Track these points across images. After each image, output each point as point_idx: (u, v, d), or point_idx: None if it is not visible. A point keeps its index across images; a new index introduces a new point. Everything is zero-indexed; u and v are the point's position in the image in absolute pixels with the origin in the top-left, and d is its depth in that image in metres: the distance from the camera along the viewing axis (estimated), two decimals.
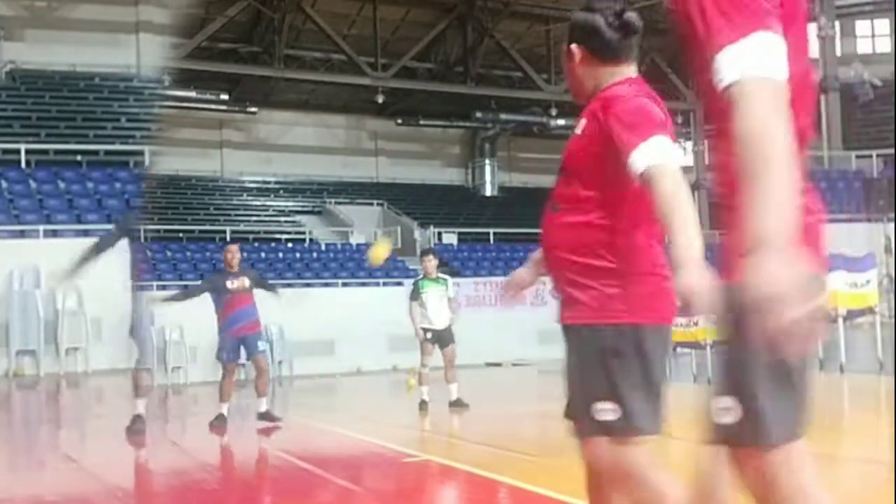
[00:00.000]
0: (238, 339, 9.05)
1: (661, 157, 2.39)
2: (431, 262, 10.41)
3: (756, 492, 1.90)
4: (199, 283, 9.70)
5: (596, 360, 2.53)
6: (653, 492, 2.51)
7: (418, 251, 25.20)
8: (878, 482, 4.90)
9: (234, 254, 9.31)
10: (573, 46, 2.68)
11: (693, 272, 2.07)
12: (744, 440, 1.84)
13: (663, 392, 2.57)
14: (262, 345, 9.32)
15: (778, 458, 1.84)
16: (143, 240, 8.48)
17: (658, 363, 2.56)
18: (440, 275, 10.42)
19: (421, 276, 10.52)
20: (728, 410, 1.85)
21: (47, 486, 6.24)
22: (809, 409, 1.89)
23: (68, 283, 8.41)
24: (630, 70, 2.67)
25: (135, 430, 8.26)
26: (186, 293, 9.58)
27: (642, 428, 2.51)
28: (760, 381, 1.81)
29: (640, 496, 2.54)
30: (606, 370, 2.52)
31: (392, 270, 23.13)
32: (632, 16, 2.65)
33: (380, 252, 8.89)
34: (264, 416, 9.19)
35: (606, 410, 2.50)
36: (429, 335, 10.05)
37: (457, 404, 9.96)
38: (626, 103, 2.52)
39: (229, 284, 9.06)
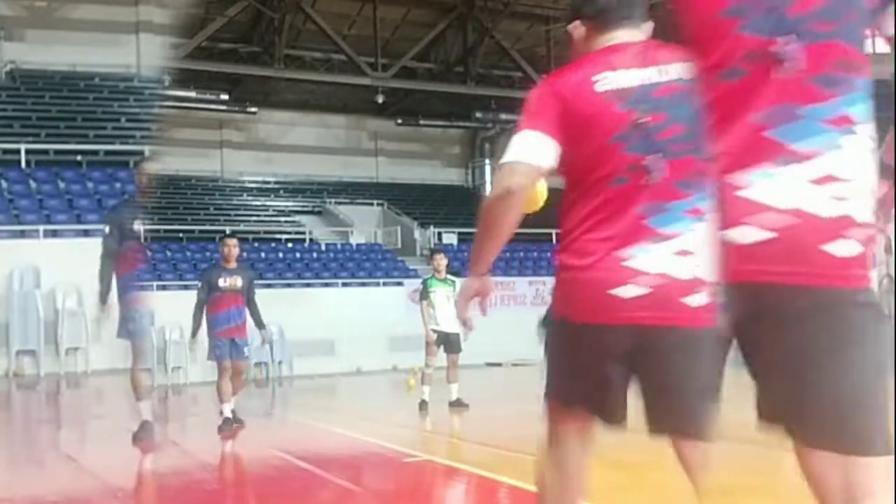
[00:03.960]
0: (227, 339, 8.63)
1: (507, 157, 2.30)
2: (441, 260, 10.37)
3: None
4: (199, 285, 8.92)
5: None
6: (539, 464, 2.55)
7: (418, 251, 25.27)
8: None
9: (231, 248, 8.71)
10: (572, 26, 2.51)
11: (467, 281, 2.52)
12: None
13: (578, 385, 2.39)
14: (247, 351, 8.83)
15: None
16: (141, 235, 7.81)
17: (559, 359, 2.44)
18: (449, 276, 10.36)
19: (430, 276, 10.49)
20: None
21: (47, 486, 6.24)
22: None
23: (105, 306, 7.77)
24: (628, 34, 2.42)
25: (142, 436, 7.60)
26: (197, 308, 8.77)
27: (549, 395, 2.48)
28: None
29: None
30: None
31: (392, 270, 23.15)
32: None
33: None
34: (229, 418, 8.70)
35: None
36: (435, 336, 10.03)
37: (457, 404, 9.96)
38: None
39: (221, 282, 8.58)
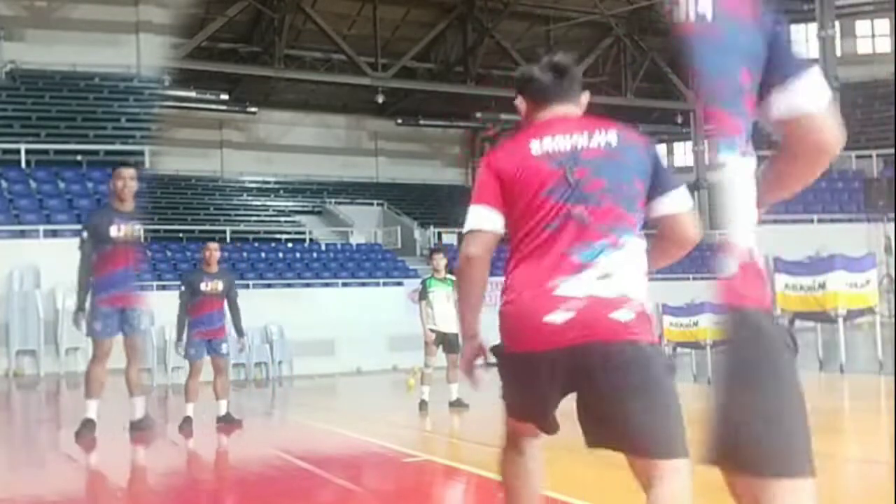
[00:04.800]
0: (204, 339, 8.85)
1: (466, 227, 2.77)
2: (441, 260, 10.28)
3: None
4: (181, 288, 9.11)
5: None
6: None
7: (418, 251, 25.27)
8: (878, 482, 4.90)
9: (212, 252, 8.93)
10: (517, 100, 2.95)
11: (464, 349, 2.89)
12: None
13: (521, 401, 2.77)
14: (225, 348, 9.01)
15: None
16: (120, 240, 7.71)
17: (506, 383, 2.77)
18: (448, 275, 10.28)
19: (429, 276, 10.45)
20: None
21: (47, 485, 6.24)
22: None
23: (81, 313, 7.85)
24: (563, 108, 2.83)
25: (84, 433, 7.68)
26: (182, 311, 8.99)
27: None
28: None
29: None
30: None
31: (392, 270, 23.14)
32: (562, 58, 2.88)
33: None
34: (223, 419, 8.94)
35: None
36: (433, 336, 9.99)
37: (457, 404, 9.93)
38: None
39: (203, 286, 8.80)
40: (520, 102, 2.94)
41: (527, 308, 2.59)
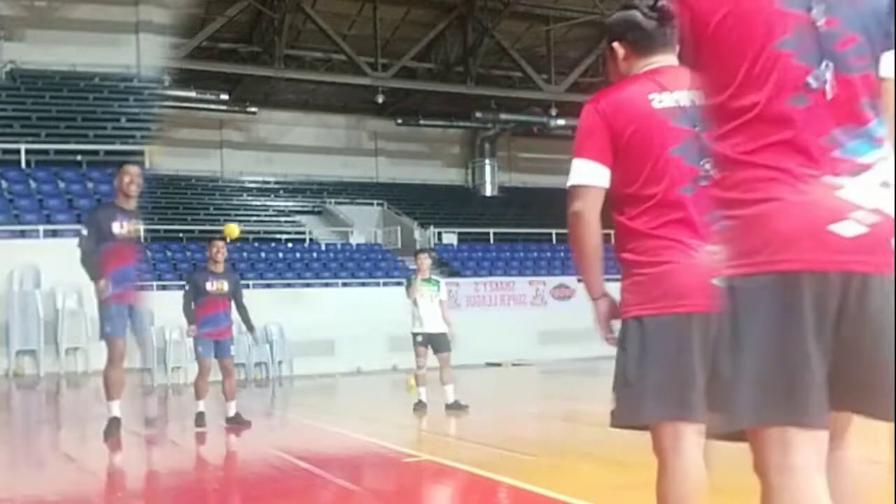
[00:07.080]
0: (211, 339, 8.87)
1: (569, 182, 2.58)
2: (426, 261, 10.37)
3: None
4: (185, 287, 9.06)
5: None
6: (663, 476, 2.62)
7: None
8: (879, 482, 4.89)
9: (219, 249, 8.78)
10: (615, 45, 2.75)
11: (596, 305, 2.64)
12: None
13: (668, 381, 2.49)
14: (232, 349, 9.06)
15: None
16: (123, 237, 7.60)
17: (658, 354, 2.49)
18: (433, 276, 10.37)
19: (413, 276, 10.50)
20: None
21: (47, 486, 6.23)
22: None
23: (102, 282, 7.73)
24: (666, 58, 2.64)
25: (110, 433, 7.52)
26: (187, 304, 8.91)
27: (618, 418, 2.59)
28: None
29: (659, 479, 2.64)
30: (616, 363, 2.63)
31: (392, 270, 23.15)
32: (665, 2, 2.64)
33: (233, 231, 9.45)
34: (233, 420, 8.92)
35: (612, 400, 2.62)
36: (419, 338, 10.01)
37: (455, 407, 9.83)
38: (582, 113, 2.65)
39: (209, 286, 8.74)
40: (617, 48, 2.74)
41: (692, 268, 2.41)
